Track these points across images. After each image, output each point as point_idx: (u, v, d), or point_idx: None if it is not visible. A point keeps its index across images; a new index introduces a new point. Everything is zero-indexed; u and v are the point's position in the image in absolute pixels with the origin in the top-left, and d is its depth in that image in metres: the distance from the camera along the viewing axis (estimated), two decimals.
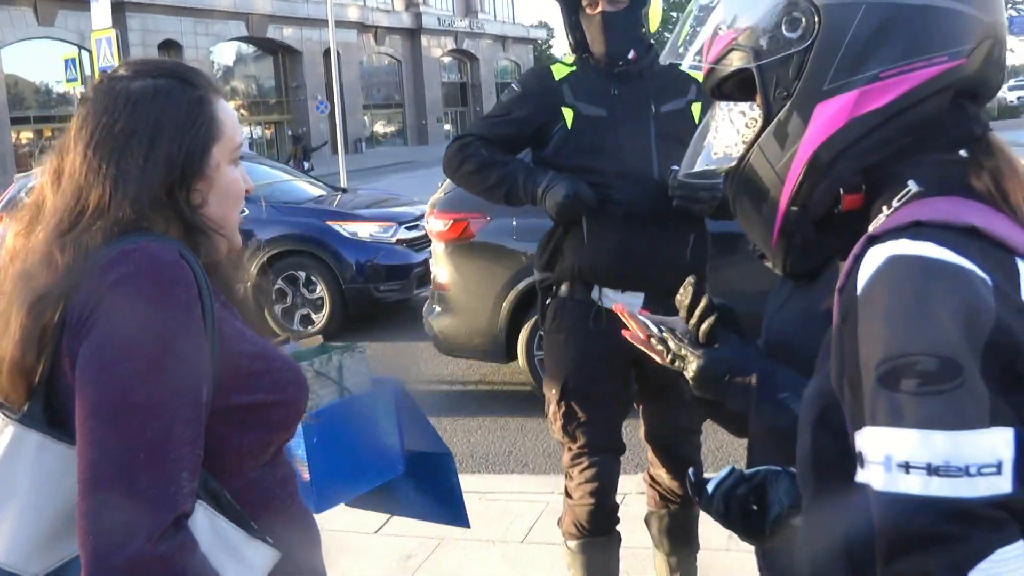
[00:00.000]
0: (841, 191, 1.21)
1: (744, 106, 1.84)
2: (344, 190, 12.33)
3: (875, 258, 1.04)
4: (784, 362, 1.68)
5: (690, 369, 1.72)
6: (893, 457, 0.95)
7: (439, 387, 7.37)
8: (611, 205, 3.12)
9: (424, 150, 46.62)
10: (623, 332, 1.87)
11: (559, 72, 3.26)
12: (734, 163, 1.81)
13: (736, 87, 1.34)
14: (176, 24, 40.20)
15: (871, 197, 1.20)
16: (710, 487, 1.59)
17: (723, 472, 1.60)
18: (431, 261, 7.19)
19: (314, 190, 11.30)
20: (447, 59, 61.86)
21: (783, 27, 1.21)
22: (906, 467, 0.94)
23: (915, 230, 1.04)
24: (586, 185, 3.09)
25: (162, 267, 1.43)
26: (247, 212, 7.55)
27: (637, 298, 3.18)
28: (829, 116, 1.18)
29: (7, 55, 34.05)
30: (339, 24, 41.64)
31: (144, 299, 1.40)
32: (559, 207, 3.08)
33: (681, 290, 1.78)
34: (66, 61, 20.82)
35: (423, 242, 9.98)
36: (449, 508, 2.55)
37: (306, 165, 26.55)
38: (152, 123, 1.52)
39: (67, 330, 1.42)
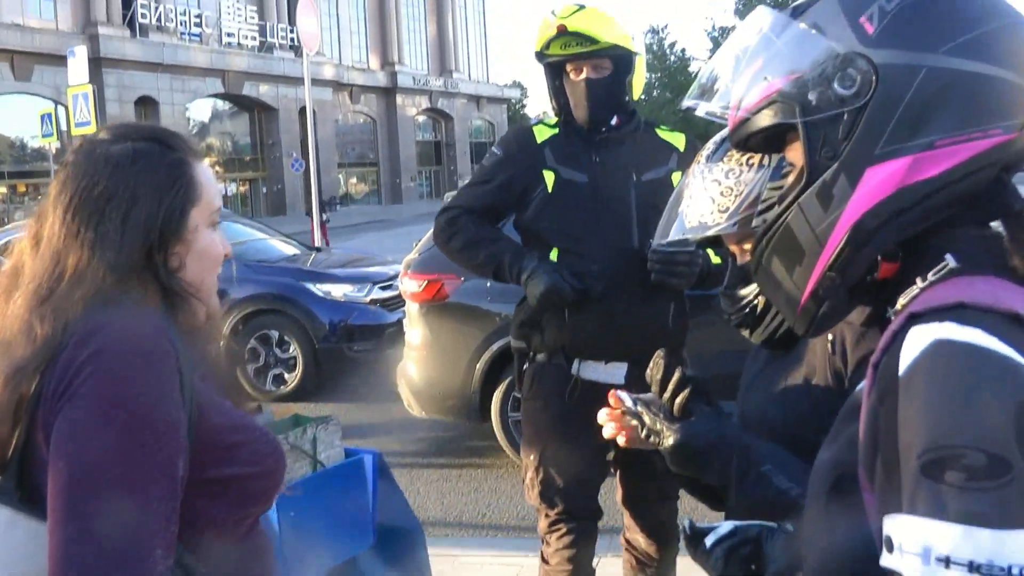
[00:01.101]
0: (879, 258, 1.18)
1: (720, 174, 1.85)
2: (318, 249, 12.32)
3: (919, 339, 1.00)
4: (760, 434, 1.67)
5: (666, 444, 1.67)
6: (932, 550, 0.92)
7: (411, 448, 7.30)
8: (591, 279, 3.13)
9: (398, 208, 46.76)
10: (599, 415, 1.85)
11: (541, 134, 3.28)
12: (714, 231, 1.81)
13: (764, 140, 1.30)
14: (152, 80, 40.32)
15: (905, 267, 1.18)
16: (709, 541, 1.55)
17: (725, 528, 1.56)
18: (405, 321, 7.15)
19: (288, 249, 11.29)
20: (422, 118, 62.26)
21: (835, 83, 1.15)
22: (946, 562, 0.91)
23: (960, 313, 1.01)
24: (567, 275, 3.09)
25: (140, 339, 1.42)
26: (219, 271, 7.43)
27: (620, 368, 3.18)
28: (879, 181, 1.13)
29: None
30: (315, 82, 41.85)
31: (121, 372, 1.38)
32: (539, 299, 3.10)
33: (651, 364, 1.74)
34: (42, 116, 20.79)
35: (396, 302, 9.98)
36: None
37: (324, 216, 26.42)
38: (131, 186, 1.51)
39: (43, 403, 1.40)
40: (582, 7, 3.12)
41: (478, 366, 6.52)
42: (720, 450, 1.63)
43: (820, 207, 1.18)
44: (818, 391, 1.69)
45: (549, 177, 3.19)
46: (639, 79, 3.26)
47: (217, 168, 47.18)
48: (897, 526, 0.97)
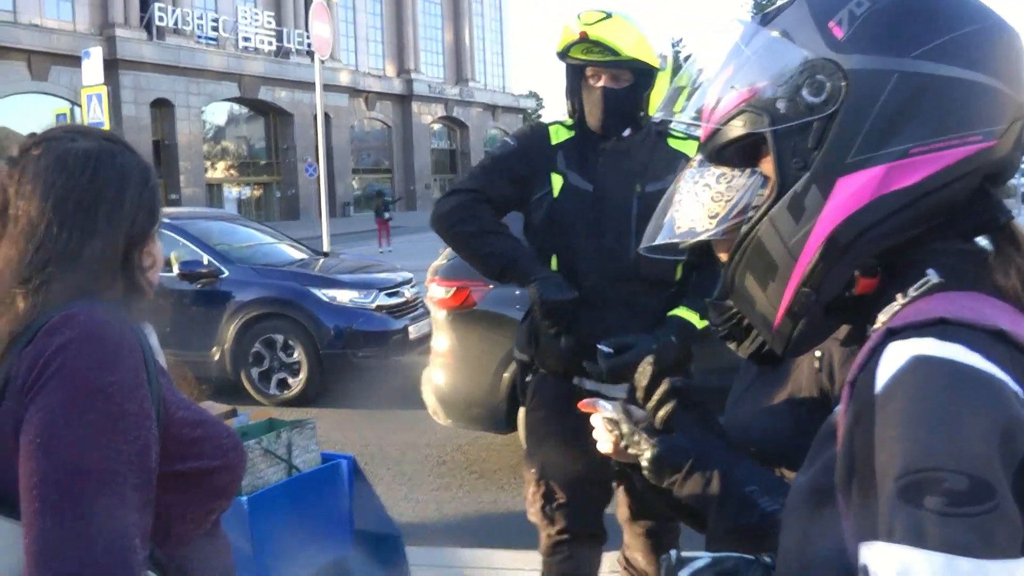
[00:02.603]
0: (856, 274, 1.12)
1: (711, 178, 1.78)
2: (326, 254, 12.29)
3: (897, 356, 0.95)
4: (744, 451, 1.60)
5: (644, 458, 1.62)
6: None
7: (411, 456, 7.24)
8: (592, 292, 3.07)
9: (411, 216, 46.80)
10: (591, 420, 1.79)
11: (557, 136, 3.22)
12: (702, 237, 1.74)
13: (737, 152, 1.24)
14: (169, 83, 40.55)
15: (884, 282, 1.12)
16: (683, 574, 1.50)
17: (701, 561, 1.50)
18: (432, 328, 7.05)
19: (296, 254, 11.26)
20: (437, 126, 62.50)
21: (804, 90, 1.11)
22: None
23: (941, 329, 0.95)
24: (570, 292, 3.01)
25: (109, 331, 1.42)
26: (226, 274, 7.51)
27: (620, 389, 3.09)
28: (852, 192, 1.08)
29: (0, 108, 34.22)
30: (330, 88, 42.21)
31: (92, 363, 1.38)
32: (541, 307, 3.02)
33: (639, 369, 1.69)
34: (57, 116, 20.92)
35: (403, 309, 9.93)
36: None
37: (387, 215, 30.54)
38: (116, 184, 1.54)
39: (9, 396, 1.38)
40: (609, 15, 3.05)
41: (505, 375, 6.41)
42: (699, 468, 1.55)
43: (792, 220, 1.13)
44: (803, 409, 1.64)
45: (557, 181, 3.13)
46: (659, 95, 3.16)
47: (231, 172, 47.49)
48: (873, 554, 0.90)
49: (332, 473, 2.33)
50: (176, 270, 9.23)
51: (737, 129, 1.18)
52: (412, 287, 10.42)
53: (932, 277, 1.07)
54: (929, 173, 1.06)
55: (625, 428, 1.64)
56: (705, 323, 3.03)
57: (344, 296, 9.59)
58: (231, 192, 48.27)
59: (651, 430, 1.64)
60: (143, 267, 1.58)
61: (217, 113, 46.73)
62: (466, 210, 3.20)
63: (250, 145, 49.60)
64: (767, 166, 1.19)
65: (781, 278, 1.15)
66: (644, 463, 1.62)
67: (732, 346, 1.83)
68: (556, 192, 3.13)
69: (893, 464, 0.90)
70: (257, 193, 49.77)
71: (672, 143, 3.24)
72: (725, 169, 1.76)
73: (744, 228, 1.21)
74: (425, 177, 59.47)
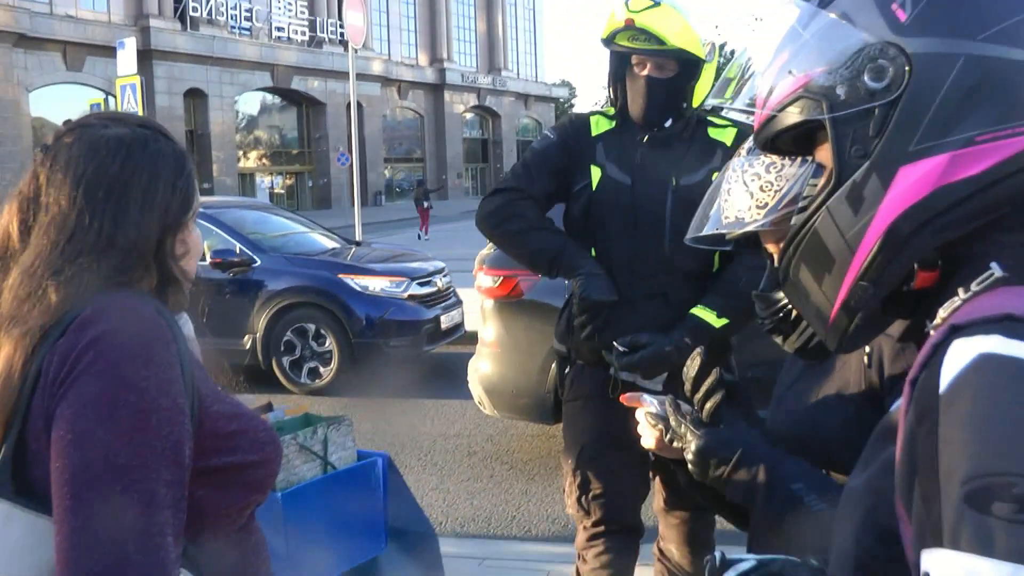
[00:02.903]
0: (916, 267, 1.07)
1: (760, 167, 1.73)
2: (358, 243, 12.30)
3: (962, 353, 0.90)
4: (792, 448, 1.57)
5: (689, 450, 1.59)
6: None
7: (442, 446, 7.24)
8: (627, 289, 3.05)
9: (443, 205, 46.80)
10: (636, 415, 1.77)
11: (597, 127, 3.18)
12: (751, 227, 1.70)
13: (792, 140, 1.20)
14: (202, 73, 40.77)
15: (945, 276, 1.07)
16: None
17: (747, 564, 1.47)
18: (479, 317, 7.01)
19: (328, 243, 11.26)
20: (469, 115, 62.49)
21: (866, 75, 1.06)
22: None
23: (1008, 325, 0.90)
24: (612, 294, 3.01)
25: (143, 324, 1.39)
26: (259, 263, 7.51)
27: (657, 380, 3.07)
28: (914, 181, 1.03)
29: (35, 98, 34.57)
30: (363, 77, 42.26)
31: (125, 357, 1.35)
32: (580, 303, 3.01)
33: (688, 361, 1.66)
34: (91, 106, 21.03)
35: (435, 298, 9.92)
36: None
37: (426, 204, 31.77)
38: (148, 169, 1.51)
39: (40, 390, 1.36)
40: (657, 3, 2.99)
41: (553, 366, 6.39)
42: (746, 463, 1.53)
43: (850, 210, 1.08)
44: (851, 407, 1.59)
45: (596, 173, 3.10)
46: (704, 86, 3.10)
47: (264, 161, 47.70)
48: (936, 562, 0.86)
49: (367, 471, 2.31)
50: (209, 259, 9.28)
51: (793, 116, 1.13)
52: (444, 276, 10.40)
53: (995, 271, 1.01)
54: (995, 162, 1.01)
55: (672, 421, 1.63)
56: (724, 321, 3.00)
57: (376, 285, 9.57)
58: (263, 181, 48.53)
59: (697, 422, 1.61)
60: (177, 256, 1.55)
61: (250, 103, 46.93)
62: (509, 208, 3.18)
63: (282, 134, 49.81)
64: (823, 154, 1.15)
65: (838, 271, 1.11)
66: (689, 456, 1.59)
67: (778, 340, 1.79)
68: (595, 185, 3.10)
69: (959, 468, 0.85)
70: (289, 182, 49.98)
71: (712, 132, 3.19)
72: (775, 158, 1.72)
73: (799, 219, 1.17)
74: (457, 166, 59.50)
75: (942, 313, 1.03)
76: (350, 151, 19.16)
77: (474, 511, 5.92)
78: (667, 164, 3.08)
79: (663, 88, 3.05)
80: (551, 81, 74.94)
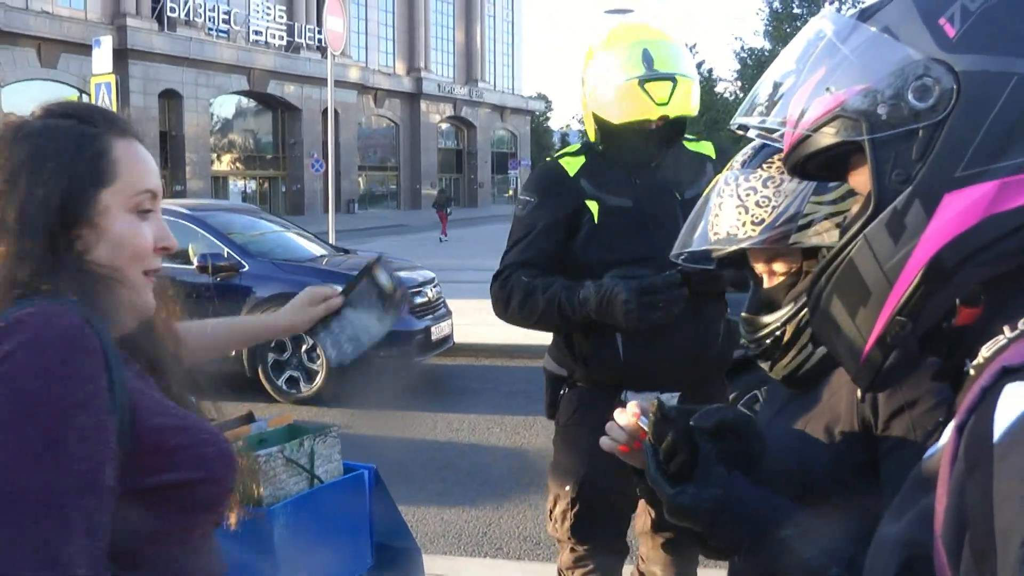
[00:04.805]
0: (958, 302, 1.01)
1: (757, 182, 1.63)
2: (347, 251, 12.14)
3: (1017, 399, 0.82)
4: (775, 483, 1.45)
5: (663, 500, 1.44)
6: None
7: (414, 460, 7.18)
8: None
9: (416, 214, 46.78)
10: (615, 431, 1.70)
11: (571, 166, 3.10)
12: (744, 244, 1.62)
13: (825, 163, 1.11)
14: (178, 74, 40.56)
15: (988, 313, 1.00)
16: None
17: None
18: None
19: (317, 249, 11.07)
20: (445, 125, 62.49)
21: (910, 94, 0.98)
22: None
23: None
24: (635, 282, 2.80)
25: (63, 333, 1.26)
26: (247, 268, 7.39)
27: (671, 398, 3.01)
28: (961, 210, 0.95)
29: (7, 94, 34.18)
30: (340, 84, 42.15)
31: (39, 373, 1.23)
32: (630, 313, 2.78)
33: (650, 415, 1.49)
34: None
35: (425, 309, 9.82)
36: None
37: (448, 211, 35.12)
38: (29, 164, 1.37)
39: None
40: (673, 79, 2.93)
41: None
42: (722, 521, 1.39)
43: (890, 239, 1.00)
44: (842, 442, 1.52)
45: (594, 207, 3.01)
46: (683, 101, 3.01)
47: (237, 165, 47.46)
48: None
49: (355, 484, 2.26)
50: (195, 263, 9.12)
51: (829, 137, 1.05)
52: (435, 287, 10.27)
53: None
54: None
55: (651, 465, 1.46)
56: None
57: None
58: (236, 185, 48.25)
59: (666, 475, 1.45)
60: (76, 252, 1.38)
61: (225, 106, 46.69)
62: (505, 287, 3.09)
63: (257, 139, 49.57)
64: (859, 179, 1.08)
65: (874, 304, 1.03)
66: (665, 512, 1.45)
67: (764, 366, 1.70)
68: (596, 218, 3.02)
69: (1018, 525, 0.77)
70: (263, 186, 49.74)
71: (690, 146, 3.18)
72: (773, 172, 1.63)
73: (836, 244, 1.09)
74: (431, 176, 59.38)
75: (984, 352, 0.96)
76: (325, 158, 19.06)
77: (444, 527, 5.84)
78: (666, 181, 3.05)
79: (661, 134, 3.06)
80: (527, 94, 75.00)
